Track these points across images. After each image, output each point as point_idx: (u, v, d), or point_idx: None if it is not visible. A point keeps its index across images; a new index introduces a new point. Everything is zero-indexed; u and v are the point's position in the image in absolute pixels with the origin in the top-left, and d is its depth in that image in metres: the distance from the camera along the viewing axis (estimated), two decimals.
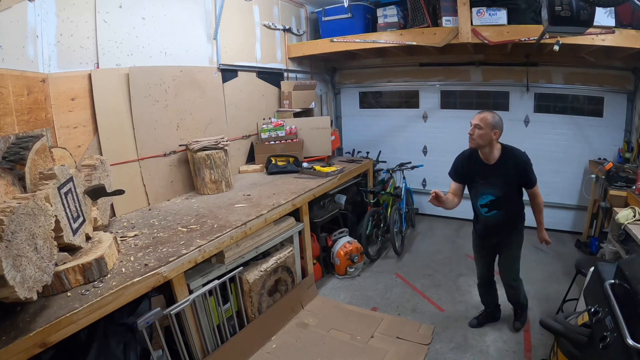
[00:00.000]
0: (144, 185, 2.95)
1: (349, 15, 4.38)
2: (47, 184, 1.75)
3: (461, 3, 3.53)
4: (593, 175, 3.89)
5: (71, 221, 1.85)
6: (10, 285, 1.30)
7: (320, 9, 4.64)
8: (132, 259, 2.01)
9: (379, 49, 4.46)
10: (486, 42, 3.57)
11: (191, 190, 3.31)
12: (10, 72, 2.03)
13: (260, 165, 4.00)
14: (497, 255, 2.71)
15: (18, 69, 2.10)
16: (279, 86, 4.45)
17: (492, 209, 2.49)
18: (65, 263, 1.73)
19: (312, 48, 4.63)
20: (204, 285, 2.29)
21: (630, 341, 1.20)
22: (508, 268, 2.65)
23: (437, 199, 2.30)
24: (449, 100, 5.11)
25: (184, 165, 3.28)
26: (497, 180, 2.40)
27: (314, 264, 3.52)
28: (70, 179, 1.92)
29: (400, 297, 3.39)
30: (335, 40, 4.37)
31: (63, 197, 1.81)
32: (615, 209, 2.94)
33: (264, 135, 4.04)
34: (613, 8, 3.14)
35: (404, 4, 4.21)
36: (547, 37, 3.09)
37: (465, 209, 2.74)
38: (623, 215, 2.69)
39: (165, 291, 2.13)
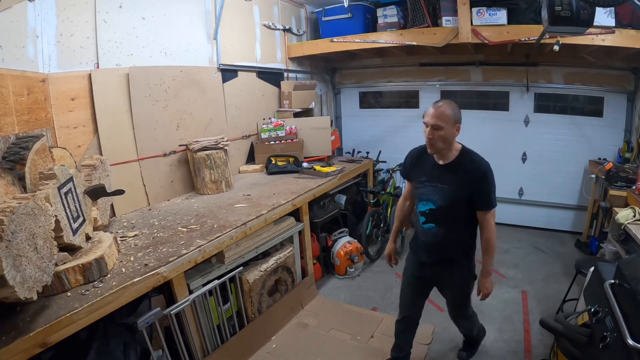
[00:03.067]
0: (144, 185, 2.95)
1: (349, 15, 4.37)
2: (47, 184, 1.75)
3: (461, 3, 3.53)
4: (593, 175, 3.89)
5: (71, 221, 1.85)
6: (10, 285, 1.30)
7: (320, 9, 4.63)
8: (132, 259, 2.01)
9: (379, 49, 4.46)
10: (486, 42, 3.57)
11: (191, 190, 3.31)
12: (10, 72, 2.03)
13: (260, 165, 3.99)
14: (439, 290, 2.27)
15: (18, 69, 2.10)
16: (279, 86, 4.45)
17: (429, 221, 2.01)
18: (65, 263, 1.73)
19: (312, 48, 4.63)
20: (204, 285, 2.29)
21: (630, 341, 1.20)
22: (458, 307, 2.27)
23: (394, 256, 2.42)
24: None
25: (184, 165, 3.28)
26: (442, 186, 1.92)
27: (314, 264, 3.52)
28: (70, 179, 1.92)
29: None
30: (335, 40, 4.36)
31: (63, 197, 1.81)
32: (615, 209, 2.94)
33: (264, 135, 4.04)
34: (613, 8, 3.14)
35: (404, 4, 4.21)
36: (547, 37, 3.09)
37: None
38: (623, 215, 2.69)
39: (165, 291, 2.13)
